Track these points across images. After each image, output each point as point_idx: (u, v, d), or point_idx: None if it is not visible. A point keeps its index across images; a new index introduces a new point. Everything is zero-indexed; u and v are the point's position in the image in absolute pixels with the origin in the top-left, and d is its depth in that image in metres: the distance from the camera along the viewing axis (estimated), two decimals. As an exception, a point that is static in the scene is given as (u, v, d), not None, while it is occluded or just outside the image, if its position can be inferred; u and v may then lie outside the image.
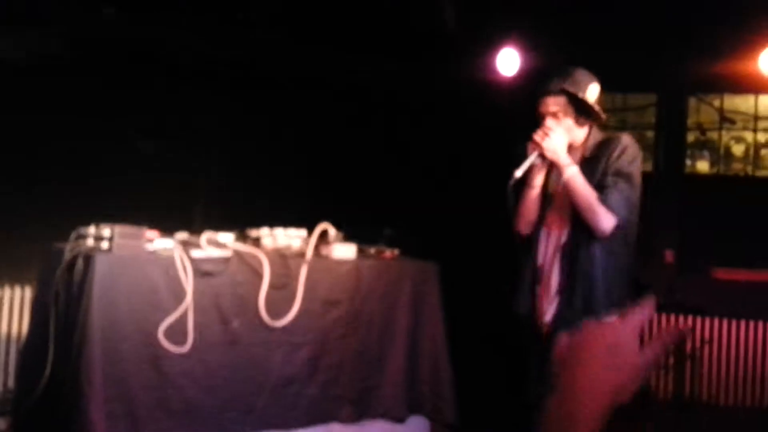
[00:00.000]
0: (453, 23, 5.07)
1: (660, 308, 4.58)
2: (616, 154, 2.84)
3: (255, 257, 3.24)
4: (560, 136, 2.83)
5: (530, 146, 2.87)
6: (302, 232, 3.52)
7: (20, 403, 3.01)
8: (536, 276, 3.00)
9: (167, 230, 3.24)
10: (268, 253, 3.29)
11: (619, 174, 2.82)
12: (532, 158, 2.85)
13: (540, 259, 2.99)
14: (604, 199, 2.78)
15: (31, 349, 3.09)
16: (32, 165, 4.34)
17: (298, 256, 3.39)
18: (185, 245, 3.16)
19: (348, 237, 3.60)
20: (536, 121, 2.94)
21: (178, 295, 3.01)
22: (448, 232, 5.30)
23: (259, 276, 3.21)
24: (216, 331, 3.12)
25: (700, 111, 6.66)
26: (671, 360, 4.61)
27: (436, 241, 4.24)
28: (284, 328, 3.24)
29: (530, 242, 3.04)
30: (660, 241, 5.54)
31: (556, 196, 2.97)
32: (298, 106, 5.08)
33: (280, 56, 4.92)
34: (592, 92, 2.90)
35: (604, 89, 2.97)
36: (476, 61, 5.32)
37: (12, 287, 4.25)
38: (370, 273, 3.60)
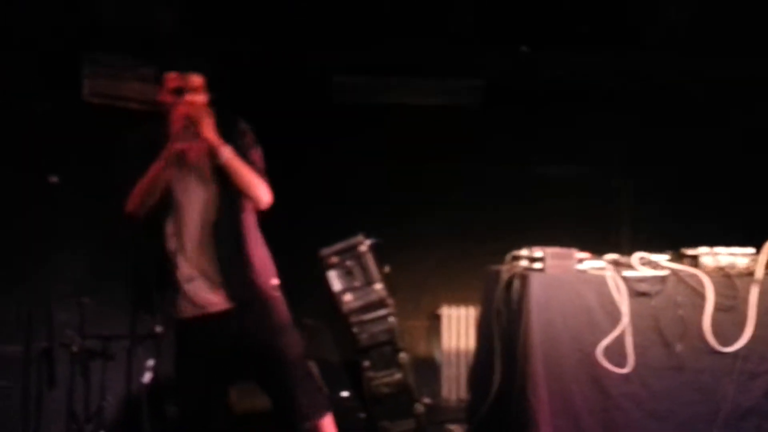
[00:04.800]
0: None
1: None
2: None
3: (695, 277, 3.05)
4: None
5: None
6: (748, 250, 3.15)
7: (474, 412, 3.24)
8: None
9: (594, 252, 3.21)
10: (709, 273, 3.06)
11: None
12: None
13: None
14: None
15: (481, 362, 3.31)
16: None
17: (745, 275, 3.08)
18: (616, 265, 3.09)
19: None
20: None
21: (614, 315, 2.96)
22: None
23: (701, 297, 3.02)
24: (658, 354, 2.97)
25: None
26: None
27: None
28: (736, 355, 2.97)
29: None
30: None
31: None
32: (711, 123, 4.67)
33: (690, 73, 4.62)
34: None
35: None
36: None
37: (458, 307, 4.69)
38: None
